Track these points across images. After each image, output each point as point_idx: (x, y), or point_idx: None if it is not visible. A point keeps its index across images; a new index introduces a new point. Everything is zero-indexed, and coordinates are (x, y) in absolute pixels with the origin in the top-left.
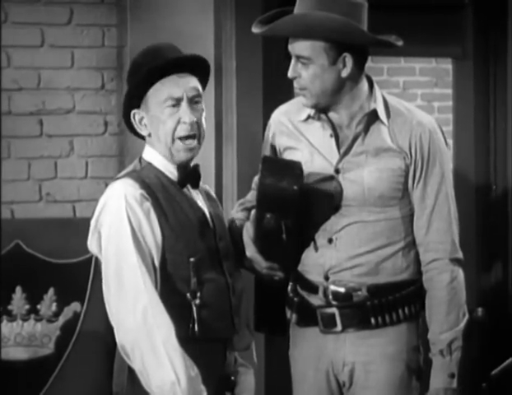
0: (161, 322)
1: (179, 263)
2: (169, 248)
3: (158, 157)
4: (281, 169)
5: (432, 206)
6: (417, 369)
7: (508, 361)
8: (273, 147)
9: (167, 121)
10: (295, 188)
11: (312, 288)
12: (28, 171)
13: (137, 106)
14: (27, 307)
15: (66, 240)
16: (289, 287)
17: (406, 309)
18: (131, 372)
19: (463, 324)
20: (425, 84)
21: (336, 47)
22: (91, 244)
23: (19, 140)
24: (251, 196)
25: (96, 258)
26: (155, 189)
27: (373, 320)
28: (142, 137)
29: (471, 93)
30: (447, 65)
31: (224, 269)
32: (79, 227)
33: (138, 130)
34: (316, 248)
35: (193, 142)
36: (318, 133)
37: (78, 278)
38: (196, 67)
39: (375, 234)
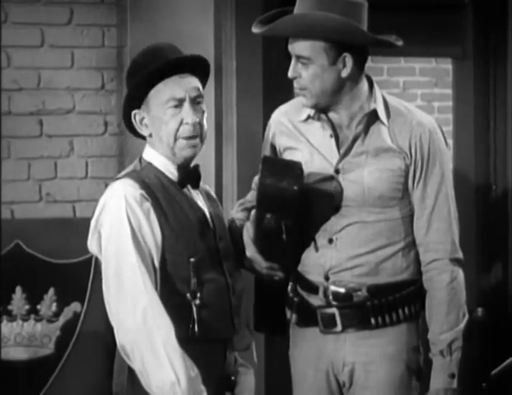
0: (161, 322)
1: (179, 264)
2: (169, 249)
3: (158, 157)
4: (281, 169)
5: (432, 206)
6: (417, 370)
7: (508, 361)
8: (273, 147)
9: (169, 122)
10: (296, 188)
11: (312, 288)
12: (28, 171)
13: (138, 107)
14: (27, 307)
15: (66, 240)
16: (289, 287)
17: (406, 310)
18: (131, 372)
19: (463, 324)
20: (425, 84)
21: (336, 47)
22: (91, 244)
23: (19, 140)
24: (251, 196)
25: (96, 258)
26: (155, 189)
27: (373, 320)
28: (142, 138)
29: (471, 93)
30: (447, 65)
31: (224, 269)
32: (79, 227)
33: (139, 130)
34: (316, 249)
35: (195, 141)
36: (318, 133)
37: (78, 278)
38: (196, 67)
39: (375, 234)
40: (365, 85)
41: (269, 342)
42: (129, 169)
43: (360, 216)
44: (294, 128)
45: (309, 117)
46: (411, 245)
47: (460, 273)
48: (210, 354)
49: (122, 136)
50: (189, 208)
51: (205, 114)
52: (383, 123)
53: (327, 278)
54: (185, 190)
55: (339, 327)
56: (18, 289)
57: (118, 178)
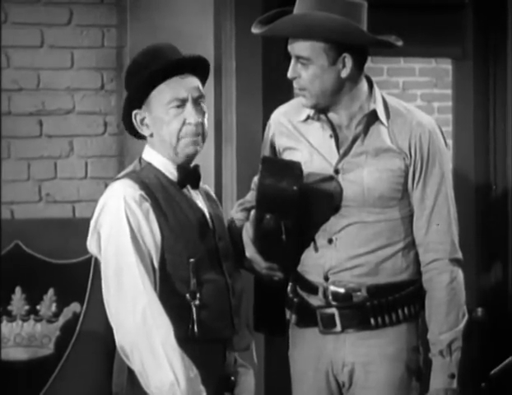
0: (160, 323)
1: (179, 264)
2: (168, 249)
3: (158, 157)
4: (280, 169)
5: (432, 206)
6: (417, 370)
7: (507, 361)
8: (273, 148)
9: (172, 122)
10: (295, 188)
11: (312, 288)
12: (28, 171)
13: (139, 107)
14: (27, 307)
15: (65, 241)
16: (288, 288)
17: (405, 310)
18: (130, 373)
19: (462, 325)
20: (424, 84)
21: (335, 47)
22: (91, 245)
23: (19, 140)
24: (250, 196)
25: (96, 259)
26: (155, 190)
27: (372, 320)
28: (140, 138)
29: (470, 93)
30: (447, 65)
31: (223, 269)
32: (79, 227)
33: (139, 130)
34: (316, 249)
35: (198, 138)
36: (318, 134)
37: (78, 279)
38: (197, 67)
39: (375, 234)
40: (364, 85)
41: (269, 342)
42: (129, 169)
43: (360, 217)
44: (293, 129)
45: (308, 117)
46: (411, 245)
47: (460, 273)
48: (209, 354)
49: (121, 136)
50: (189, 208)
51: (206, 114)
52: (382, 123)
53: (326, 278)
54: (185, 190)
55: (339, 328)
56: (18, 289)
57: (117, 179)
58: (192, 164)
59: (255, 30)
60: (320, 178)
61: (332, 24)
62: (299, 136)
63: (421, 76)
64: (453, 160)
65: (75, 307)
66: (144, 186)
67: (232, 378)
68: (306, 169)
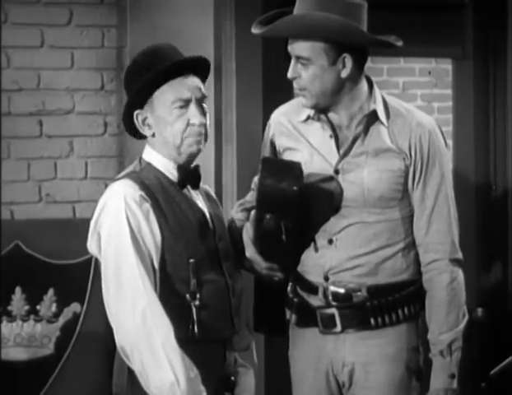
0: (160, 323)
1: (179, 264)
2: (168, 249)
3: (158, 158)
4: (280, 169)
5: (432, 206)
6: (417, 370)
7: (507, 361)
8: (273, 148)
9: (176, 122)
10: (295, 188)
11: (312, 289)
12: (28, 172)
13: (140, 107)
14: (27, 308)
15: (65, 241)
16: (289, 288)
17: (405, 310)
18: (130, 373)
19: (462, 325)
20: (424, 84)
21: (335, 47)
22: (91, 245)
23: (19, 140)
24: (251, 196)
25: (96, 259)
26: (155, 190)
27: (372, 321)
28: (140, 138)
29: (471, 93)
30: (447, 65)
31: (223, 270)
32: (79, 228)
33: (141, 131)
34: (316, 249)
35: (201, 137)
36: (318, 134)
37: (78, 279)
38: (198, 67)
39: (375, 234)
40: (364, 85)
41: (269, 343)
42: (129, 169)
43: (360, 217)
44: (293, 129)
45: (308, 117)
46: (411, 246)
47: (460, 273)
48: (209, 354)
49: (121, 136)
50: (189, 209)
51: (207, 115)
52: (382, 123)
53: (326, 279)
54: (185, 190)
55: (339, 328)
56: (18, 289)
57: (117, 179)
58: (192, 165)
59: (255, 30)
60: (320, 178)
61: (332, 24)
62: (299, 136)
63: (421, 76)
64: (453, 160)
65: (75, 307)
66: (144, 186)
67: (232, 378)
68: (306, 170)
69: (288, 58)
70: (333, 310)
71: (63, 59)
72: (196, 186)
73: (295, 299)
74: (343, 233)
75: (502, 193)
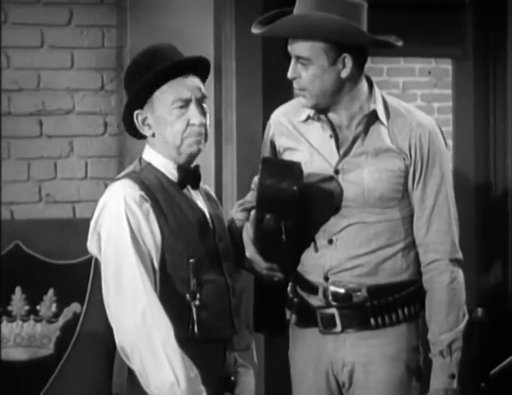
0: (160, 323)
1: (179, 264)
2: (168, 249)
3: (158, 158)
4: (280, 169)
5: (432, 207)
6: (417, 370)
7: (507, 361)
8: (273, 148)
9: (176, 122)
10: (295, 188)
11: (312, 289)
12: (28, 172)
13: (140, 107)
14: (27, 308)
15: (65, 241)
16: (289, 288)
17: (405, 310)
18: (131, 373)
19: (462, 325)
20: (424, 84)
21: (335, 47)
22: (91, 245)
23: (19, 140)
24: (251, 196)
25: (96, 259)
26: (155, 190)
27: (372, 321)
28: (140, 138)
29: (470, 93)
30: (447, 65)
31: (223, 270)
32: (79, 228)
33: (141, 131)
34: (316, 249)
35: (202, 137)
36: (318, 134)
37: (78, 279)
38: (198, 67)
39: (375, 234)
40: (364, 85)
41: (269, 343)
42: (129, 169)
43: (360, 217)
44: (293, 129)
45: (308, 117)
46: (411, 246)
47: (460, 274)
48: (209, 354)
49: (121, 136)
50: (189, 209)
51: (207, 115)
52: (382, 123)
53: (326, 279)
54: (185, 191)
55: (339, 328)
56: (18, 289)
57: (117, 179)
58: (192, 165)
59: (255, 30)
60: (320, 178)
61: (331, 24)
62: (299, 136)
63: (421, 76)
64: (453, 160)
65: (75, 307)
66: (144, 186)
67: (232, 378)
68: (306, 170)
69: (288, 58)
70: (333, 310)
71: (63, 59)
72: (196, 186)
73: (295, 299)
74: (343, 233)
75: (502, 193)
